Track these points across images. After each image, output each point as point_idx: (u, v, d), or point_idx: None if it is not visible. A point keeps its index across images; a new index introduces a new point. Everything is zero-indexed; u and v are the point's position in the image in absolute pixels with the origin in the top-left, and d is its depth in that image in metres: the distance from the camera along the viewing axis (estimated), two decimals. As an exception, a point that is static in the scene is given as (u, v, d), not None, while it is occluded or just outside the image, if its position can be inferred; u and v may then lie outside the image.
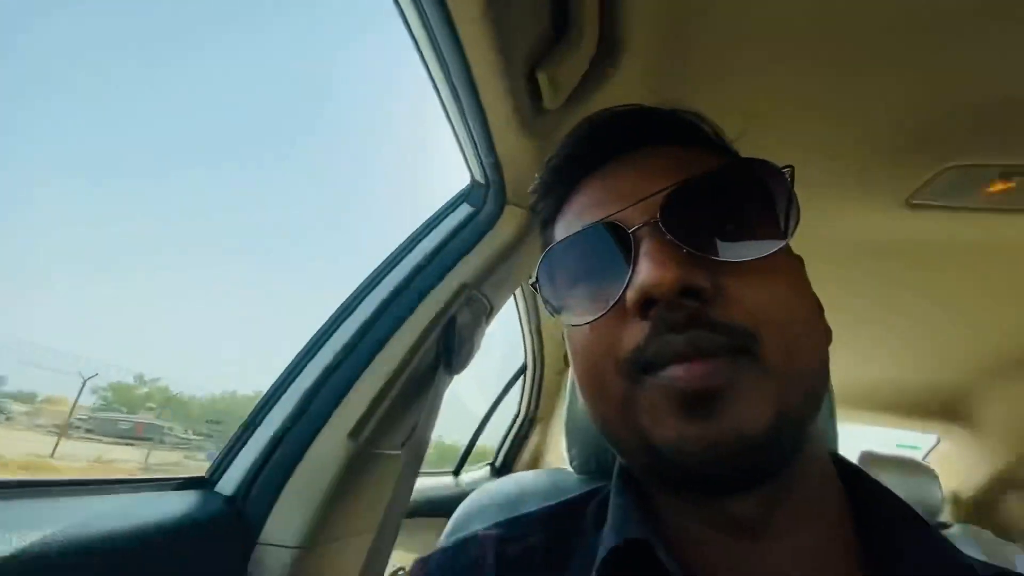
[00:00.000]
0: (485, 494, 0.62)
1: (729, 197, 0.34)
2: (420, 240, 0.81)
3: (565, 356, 1.63)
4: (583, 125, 0.40)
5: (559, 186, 0.40)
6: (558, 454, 2.16)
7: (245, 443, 0.65)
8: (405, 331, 0.73)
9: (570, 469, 0.67)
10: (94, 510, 0.51)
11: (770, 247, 0.32)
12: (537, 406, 1.76)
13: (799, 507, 0.32)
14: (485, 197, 0.81)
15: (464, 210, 0.83)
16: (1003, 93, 0.69)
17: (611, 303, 0.32)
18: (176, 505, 0.57)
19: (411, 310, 0.74)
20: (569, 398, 0.65)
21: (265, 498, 0.61)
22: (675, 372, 0.29)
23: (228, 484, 0.63)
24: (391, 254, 0.80)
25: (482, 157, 0.74)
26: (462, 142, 0.75)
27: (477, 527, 0.47)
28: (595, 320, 0.33)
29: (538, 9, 0.60)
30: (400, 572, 1.06)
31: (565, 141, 0.40)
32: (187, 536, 0.54)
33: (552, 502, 0.43)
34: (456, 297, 0.77)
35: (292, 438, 0.64)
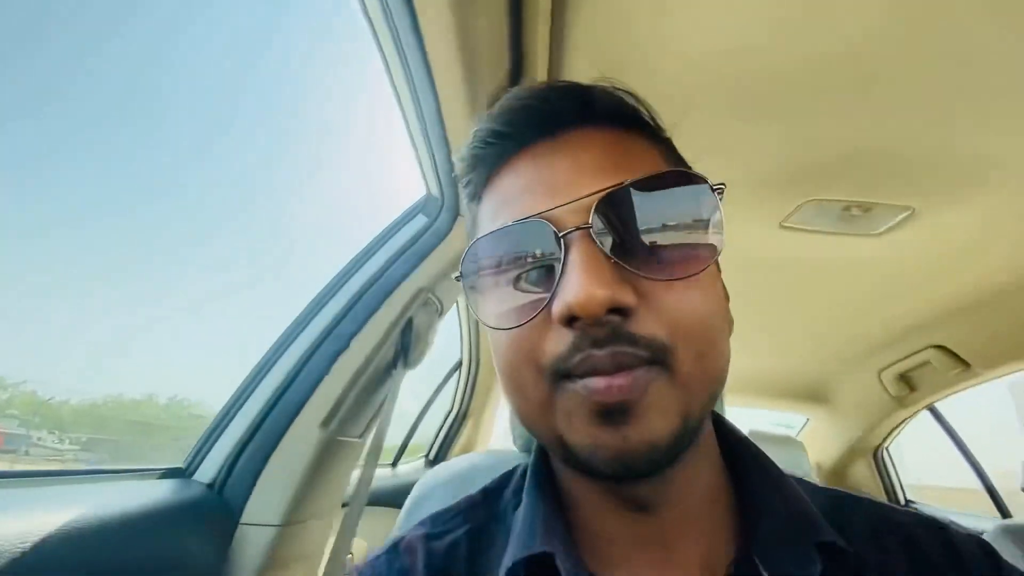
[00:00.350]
0: (440, 473, 0.70)
1: (665, 207, 0.33)
2: (380, 247, 0.89)
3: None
4: (519, 95, 0.37)
5: (488, 160, 0.38)
6: (485, 447, 2.28)
7: (219, 436, 0.70)
8: (368, 331, 0.80)
9: (514, 448, 0.77)
10: (80, 498, 0.54)
11: (699, 266, 0.32)
12: (471, 401, 1.86)
13: (688, 479, 0.35)
14: (440, 209, 0.90)
15: (420, 220, 0.92)
16: (852, 145, 0.90)
17: (535, 312, 0.31)
18: (159, 493, 0.61)
19: (373, 311, 0.82)
20: None
21: (244, 483, 0.67)
22: (596, 384, 0.29)
23: (206, 473, 0.68)
24: (353, 259, 0.88)
25: (439, 172, 0.83)
26: (420, 157, 0.83)
27: (433, 504, 0.55)
28: (517, 327, 0.32)
29: (498, 42, 0.65)
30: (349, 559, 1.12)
31: (497, 112, 0.37)
32: (173, 521, 0.59)
33: (475, 491, 0.44)
34: (413, 300, 0.85)
35: (268, 428, 0.70)
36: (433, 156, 0.78)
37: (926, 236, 1.05)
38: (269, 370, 0.75)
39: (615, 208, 0.31)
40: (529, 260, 0.33)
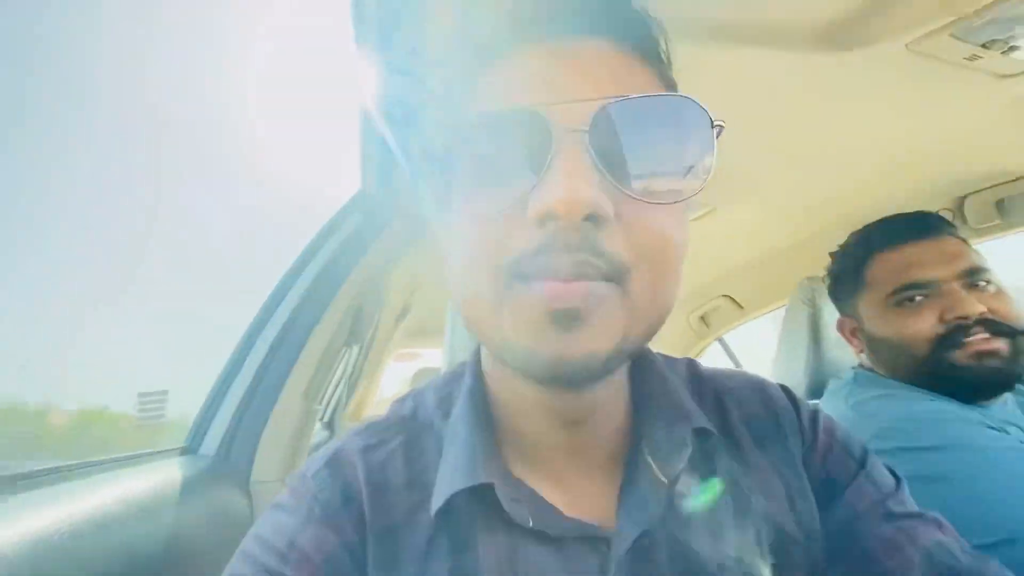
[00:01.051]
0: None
1: (662, 129, 0.32)
2: (321, 246, 1.01)
3: (404, 305, 1.91)
4: None
5: (491, 47, 0.34)
6: (373, 408, 2.45)
7: (215, 415, 0.81)
8: (327, 320, 0.95)
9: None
10: (100, 489, 0.56)
11: (679, 196, 0.31)
12: (366, 360, 2.01)
13: (612, 394, 0.38)
14: (378, 204, 1.04)
15: (357, 217, 1.05)
16: None
17: (509, 204, 0.30)
18: (175, 470, 0.72)
19: (327, 303, 0.96)
20: (451, 339, 0.86)
21: (247, 449, 0.80)
22: (553, 289, 0.29)
23: (209, 446, 0.79)
24: (296, 259, 0.99)
25: (378, 168, 0.95)
26: (364, 153, 0.95)
27: None
28: (486, 221, 0.31)
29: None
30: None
31: None
32: (194, 490, 0.71)
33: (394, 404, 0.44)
34: (360, 292, 1.01)
35: (258, 403, 0.83)
36: (372, 152, 0.91)
37: (722, 225, 1.50)
38: (246, 357, 0.86)
39: (613, 119, 0.30)
40: (512, 153, 0.31)
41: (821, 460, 0.41)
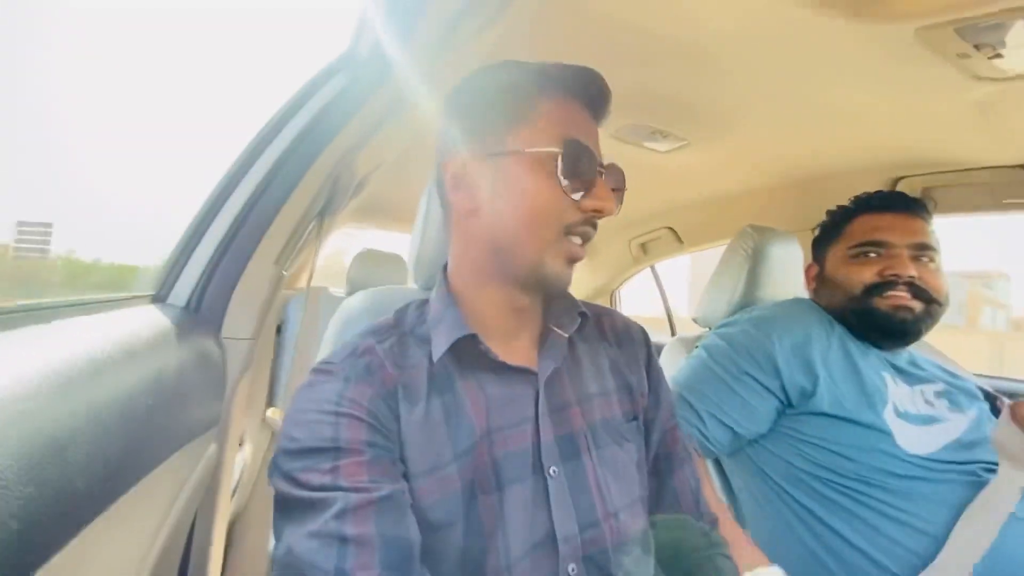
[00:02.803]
0: (359, 302, 0.85)
1: (620, 178, 0.62)
2: (305, 102, 0.94)
3: (361, 181, 1.83)
4: (596, 77, 0.59)
5: (559, 85, 0.59)
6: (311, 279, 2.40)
7: (186, 263, 0.79)
8: (305, 184, 0.91)
9: (414, 287, 1.02)
10: (63, 333, 0.51)
11: (619, 199, 0.62)
12: (321, 230, 1.95)
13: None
14: (364, 67, 0.97)
15: (342, 79, 0.98)
16: (662, 91, 1.26)
17: (576, 196, 0.56)
18: (144, 317, 0.70)
19: (308, 166, 0.91)
20: (422, 235, 0.85)
21: (219, 304, 0.80)
22: (577, 249, 0.58)
23: (179, 297, 0.78)
24: (278, 114, 0.91)
25: (367, 28, 0.87)
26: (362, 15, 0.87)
27: (358, 326, 0.75)
28: (571, 196, 0.56)
29: None
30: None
31: (582, 70, 0.59)
32: (169, 339, 0.70)
33: (381, 317, 0.65)
34: (342, 159, 0.97)
35: (230, 259, 0.81)
36: (365, 11, 0.84)
37: (683, 162, 1.55)
38: (220, 209, 0.82)
39: (609, 168, 0.60)
40: (586, 167, 0.56)
41: (649, 368, 0.71)
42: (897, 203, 1.01)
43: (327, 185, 0.96)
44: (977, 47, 0.79)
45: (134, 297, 0.75)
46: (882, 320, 0.95)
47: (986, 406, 0.97)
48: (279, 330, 1.73)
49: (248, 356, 0.83)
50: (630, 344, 0.70)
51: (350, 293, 2.00)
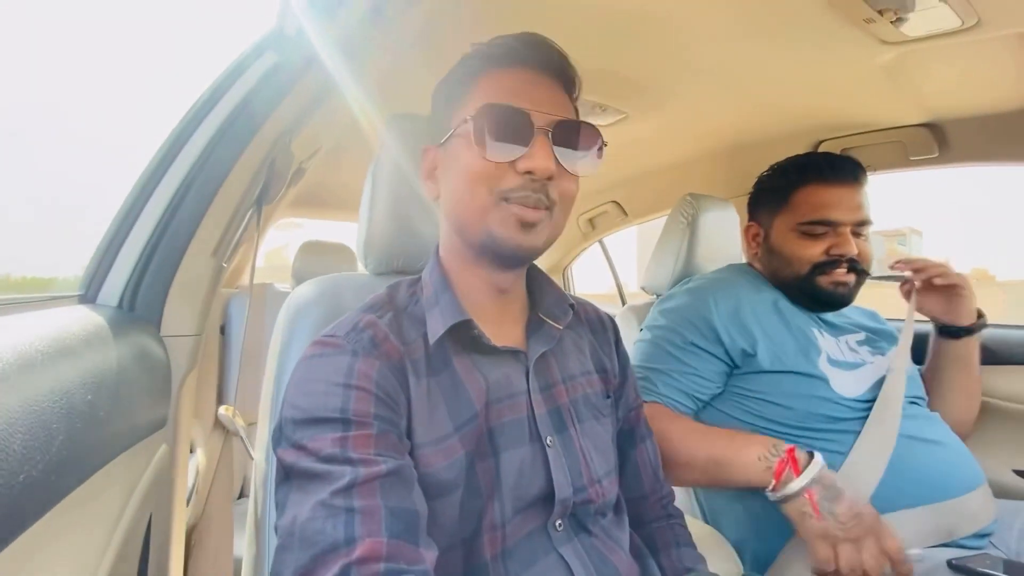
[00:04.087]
0: (308, 291, 0.80)
1: (578, 139, 0.59)
2: (231, 84, 0.89)
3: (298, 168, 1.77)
4: (538, 38, 0.61)
5: (497, 59, 0.60)
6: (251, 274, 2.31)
7: (113, 261, 0.74)
8: (237, 171, 0.87)
9: (364, 272, 1.00)
10: (16, 327, 0.49)
11: (584, 171, 0.60)
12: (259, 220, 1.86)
13: (520, 273, 0.66)
14: (294, 43, 0.93)
15: (270, 58, 0.93)
16: (603, 64, 1.28)
17: (510, 160, 0.55)
18: (73, 318, 0.65)
19: (240, 151, 0.87)
20: (369, 220, 0.82)
21: (154, 302, 0.75)
22: (524, 211, 0.56)
23: (110, 296, 0.73)
24: (204, 97, 0.86)
25: (291, 4, 0.83)
26: None
27: (312, 316, 0.76)
28: (497, 161, 0.55)
29: None
30: None
31: (520, 35, 0.60)
32: (104, 337, 0.65)
33: (346, 303, 0.67)
34: (276, 143, 0.93)
35: (163, 254, 0.76)
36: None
37: (624, 135, 1.59)
38: (147, 200, 0.77)
39: (561, 126, 0.58)
40: (514, 130, 0.55)
41: (618, 352, 0.77)
42: (846, 173, 1.04)
43: (263, 170, 0.92)
44: (881, 12, 0.85)
45: (58, 297, 0.70)
46: (823, 296, 1.05)
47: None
48: (222, 330, 1.66)
49: (193, 353, 0.80)
50: (603, 331, 0.77)
51: (296, 287, 1.93)
